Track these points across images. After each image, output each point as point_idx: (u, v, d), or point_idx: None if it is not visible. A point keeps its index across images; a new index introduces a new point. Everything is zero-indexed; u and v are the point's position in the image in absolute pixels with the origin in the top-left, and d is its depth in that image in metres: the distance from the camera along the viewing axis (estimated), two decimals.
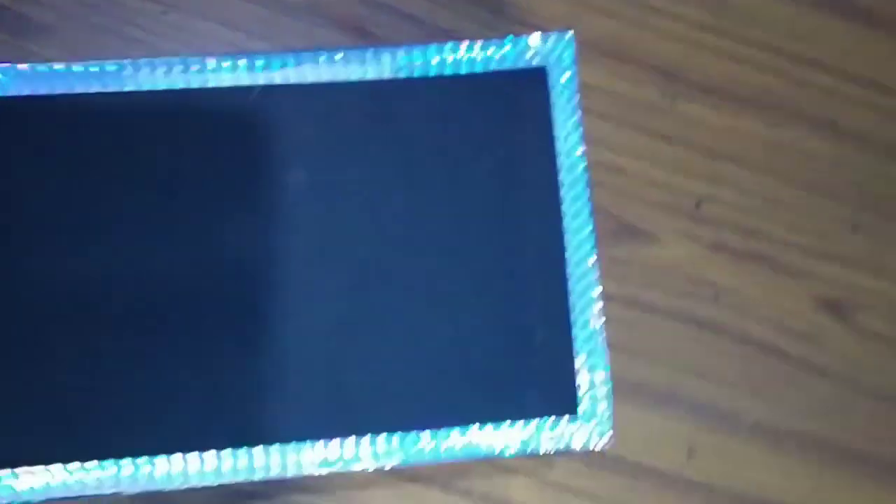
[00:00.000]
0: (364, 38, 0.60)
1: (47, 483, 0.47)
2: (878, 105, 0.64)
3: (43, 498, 0.47)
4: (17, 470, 0.47)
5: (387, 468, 0.50)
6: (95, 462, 0.47)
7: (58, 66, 0.48)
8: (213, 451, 0.48)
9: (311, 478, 0.55)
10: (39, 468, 0.47)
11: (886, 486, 0.60)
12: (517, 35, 0.52)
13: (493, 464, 0.58)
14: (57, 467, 0.47)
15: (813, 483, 0.60)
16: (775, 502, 0.59)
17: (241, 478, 0.49)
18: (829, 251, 0.62)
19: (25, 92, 0.48)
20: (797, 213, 0.62)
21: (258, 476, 0.49)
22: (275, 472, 0.49)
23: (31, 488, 0.47)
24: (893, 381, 0.61)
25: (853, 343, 0.61)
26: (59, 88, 0.48)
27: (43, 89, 0.48)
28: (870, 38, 0.64)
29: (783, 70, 0.63)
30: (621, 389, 0.52)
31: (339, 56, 0.50)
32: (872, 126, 0.63)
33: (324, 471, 0.49)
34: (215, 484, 0.48)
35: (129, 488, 0.48)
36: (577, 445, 0.50)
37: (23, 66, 0.48)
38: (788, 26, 0.64)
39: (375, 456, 0.49)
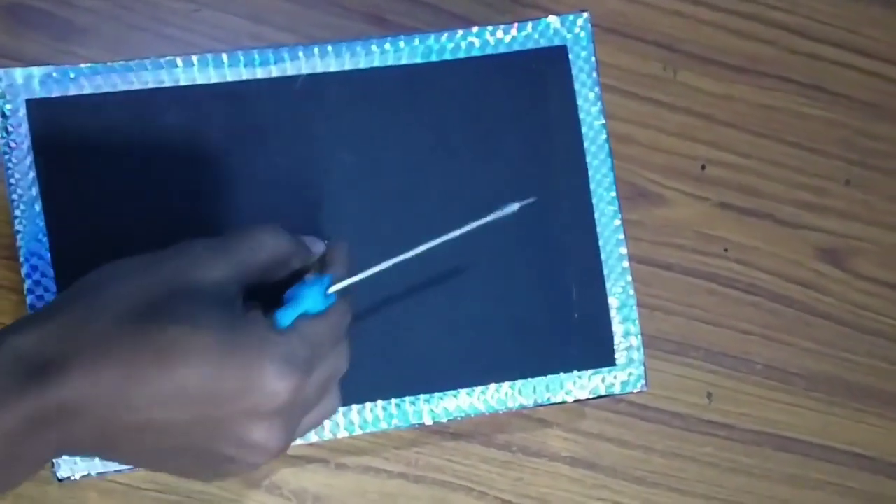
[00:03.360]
0: (382, 25, 0.63)
1: None
2: (860, 67, 0.68)
3: None
4: None
5: (443, 422, 0.53)
6: None
7: (113, 65, 0.51)
8: None
9: (359, 438, 0.58)
10: None
11: (889, 418, 0.65)
12: (528, 17, 0.56)
13: (529, 417, 0.61)
14: None
15: (822, 418, 0.64)
16: (789, 437, 0.64)
17: (309, 440, 0.52)
18: (825, 204, 0.66)
19: (87, 91, 0.50)
20: (793, 171, 0.66)
21: (324, 437, 0.52)
22: (336, 434, 0.52)
23: None
24: (890, 319, 0.66)
25: (851, 287, 0.66)
26: (122, 86, 0.51)
27: (107, 87, 0.51)
28: (848, 5, 0.68)
29: (772, 39, 0.67)
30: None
31: (374, 43, 0.54)
32: (856, 87, 0.68)
33: (381, 429, 0.52)
34: None
35: None
36: (616, 391, 0.54)
37: (84, 66, 0.51)
38: None
39: (432, 413, 0.53)
